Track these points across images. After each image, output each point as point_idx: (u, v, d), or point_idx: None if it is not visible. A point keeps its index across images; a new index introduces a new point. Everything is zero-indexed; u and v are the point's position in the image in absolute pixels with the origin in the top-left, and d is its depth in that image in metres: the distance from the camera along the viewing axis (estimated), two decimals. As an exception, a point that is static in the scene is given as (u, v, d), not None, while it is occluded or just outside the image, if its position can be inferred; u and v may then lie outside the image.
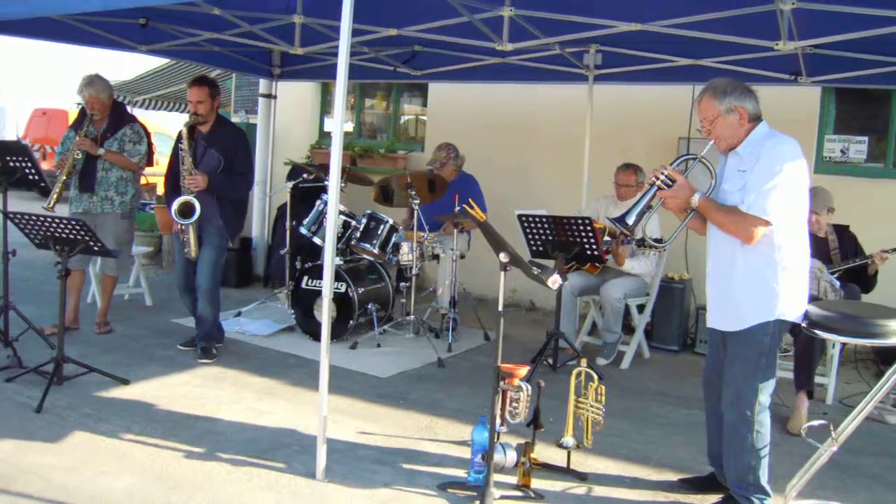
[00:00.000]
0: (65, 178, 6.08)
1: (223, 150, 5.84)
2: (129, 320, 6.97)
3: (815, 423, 4.06)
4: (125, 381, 5.27)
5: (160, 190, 11.73)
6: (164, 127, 17.37)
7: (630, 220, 3.65)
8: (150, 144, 6.52)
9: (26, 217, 4.98)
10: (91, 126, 6.21)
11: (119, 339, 6.39)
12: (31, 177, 5.72)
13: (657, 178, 3.64)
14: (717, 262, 3.79)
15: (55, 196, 6.01)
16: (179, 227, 5.79)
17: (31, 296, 7.22)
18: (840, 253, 5.84)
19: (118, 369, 5.45)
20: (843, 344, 5.69)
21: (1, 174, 5.68)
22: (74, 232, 4.92)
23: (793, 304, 3.61)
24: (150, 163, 6.54)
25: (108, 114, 6.32)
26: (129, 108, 13.97)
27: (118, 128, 6.31)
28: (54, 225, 4.93)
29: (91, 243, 4.98)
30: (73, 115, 14.29)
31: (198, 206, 5.67)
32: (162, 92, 13.72)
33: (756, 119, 3.64)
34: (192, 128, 5.88)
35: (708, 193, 3.66)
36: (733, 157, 3.69)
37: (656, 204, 3.69)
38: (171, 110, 14.74)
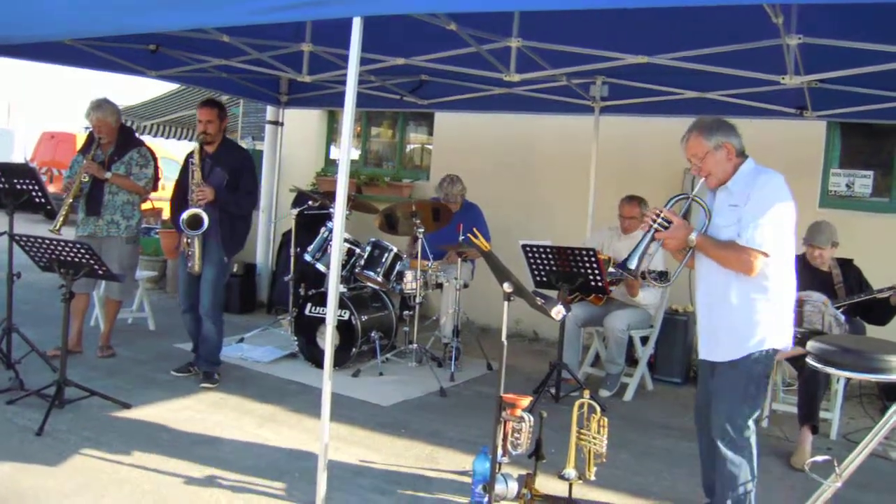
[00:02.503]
0: (71, 200, 6.10)
1: (229, 169, 5.96)
2: (131, 344, 6.97)
3: (819, 458, 4.03)
4: (127, 406, 5.26)
5: (165, 215, 11.78)
6: (171, 152, 17.45)
7: (632, 265, 3.76)
8: (156, 169, 6.55)
9: (31, 240, 5.00)
10: (98, 150, 6.25)
11: (121, 364, 6.38)
12: (37, 199, 5.74)
13: (653, 221, 3.73)
14: (710, 295, 3.84)
15: (61, 218, 6.02)
16: (186, 241, 5.86)
17: (34, 319, 7.20)
18: (844, 287, 5.82)
19: (120, 393, 5.44)
20: (848, 379, 5.65)
21: (8, 196, 5.71)
22: (79, 255, 4.93)
23: (780, 334, 3.70)
24: (154, 188, 6.57)
25: (116, 138, 6.35)
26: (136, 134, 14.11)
27: (125, 152, 6.35)
28: (59, 248, 4.94)
29: (95, 267, 4.99)
30: (81, 138, 14.35)
31: (206, 217, 5.76)
32: (170, 117, 13.79)
33: (742, 154, 3.74)
34: (200, 147, 5.96)
35: (703, 230, 3.74)
36: (723, 192, 3.76)
37: (655, 245, 3.79)
38: (180, 138, 14.79)
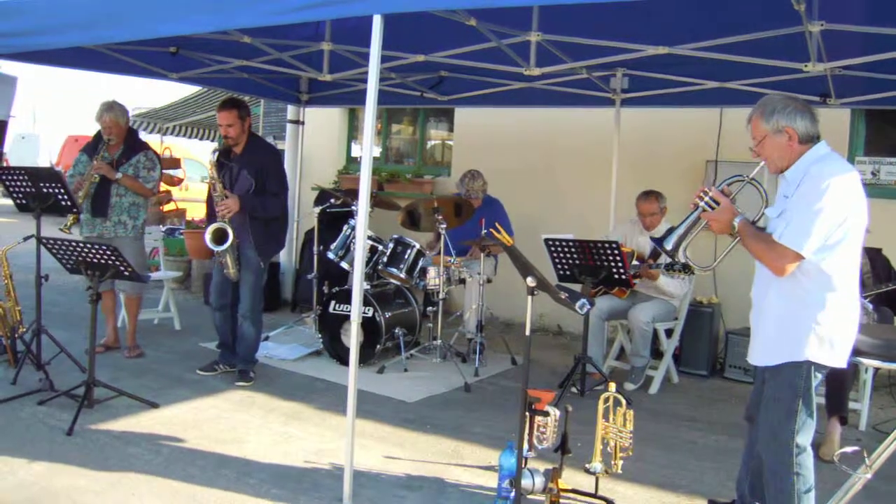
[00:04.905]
0: (81, 201, 6.16)
1: (255, 172, 5.91)
2: (158, 344, 7.03)
3: (849, 449, 3.99)
4: (155, 405, 5.30)
5: (189, 215, 11.87)
6: (193, 152, 17.55)
7: (669, 245, 3.57)
8: (161, 172, 6.61)
9: (59, 242, 5.05)
10: (106, 152, 6.29)
11: (149, 363, 6.44)
12: (63, 203, 5.80)
13: (701, 200, 3.50)
14: (756, 291, 3.61)
15: (71, 217, 6.11)
16: (216, 252, 5.87)
17: (63, 320, 7.29)
18: (872, 276, 5.77)
19: (148, 393, 5.49)
20: (877, 369, 5.60)
21: (34, 200, 5.77)
22: (105, 257, 4.98)
23: (829, 348, 3.33)
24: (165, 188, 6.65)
25: (123, 140, 6.41)
26: (160, 136, 14.23)
27: (133, 154, 6.39)
28: (86, 250, 5.00)
29: (121, 268, 5.03)
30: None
31: (230, 232, 5.75)
32: (193, 119, 13.87)
33: (810, 140, 3.39)
34: (227, 150, 5.96)
35: (756, 218, 3.51)
36: (782, 180, 3.50)
37: (699, 226, 3.55)
38: (202, 139, 14.87)
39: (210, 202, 6.11)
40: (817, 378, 3.38)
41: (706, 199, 3.47)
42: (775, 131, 3.39)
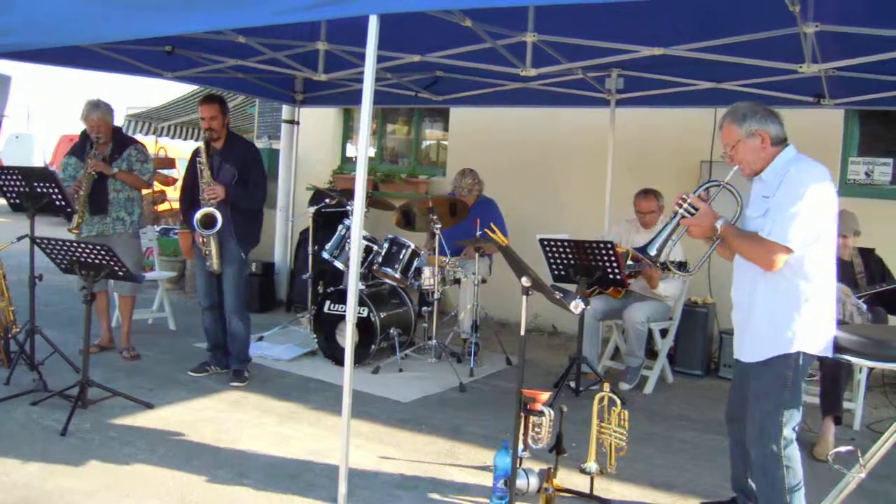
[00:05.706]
0: (82, 201, 6.16)
1: (237, 164, 5.97)
2: (152, 345, 7.01)
3: (843, 448, 4.00)
4: (149, 406, 5.29)
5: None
6: (186, 153, 17.51)
7: (653, 251, 3.66)
8: (154, 168, 6.63)
9: (52, 242, 5.04)
10: (94, 150, 6.28)
11: (143, 364, 6.43)
12: (57, 202, 5.79)
13: (679, 207, 3.60)
14: (739, 290, 3.72)
15: (77, 218, 6.12)
16: (202, 239, 5.88)
17: (56, 320, 7.27)
18: (866, 276, 5.78)
19: (142, 393, 5.48)
20: (871, 368, 5.62)
21: (28, 200, 5.75)
22: (100, 257, 4.97)
23: (816, 337, 3.48)
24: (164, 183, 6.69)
25: (111, 137, 6.43)
26: (155, 136, 14.21)
27: (123, 149, 6.44)
28: (80, 250, 4.99)
29: (116, 268, 5.02)
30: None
31: (219, 216, 5.78)
32: (185, 119, 13.84)
33: (780, 142, 3.55)
34: (206, 144, 6.00)
35: (733, 220, 3.61)
36: (758, 182, 3.62)
37: (680, 232, 3.68)
38: (197, 139, 14.85)
39: (184, 196, 6.17)
40: (801, 366, 3.49)
41: (685, 205, 3.60)
42: (748, 135, 3.55)
